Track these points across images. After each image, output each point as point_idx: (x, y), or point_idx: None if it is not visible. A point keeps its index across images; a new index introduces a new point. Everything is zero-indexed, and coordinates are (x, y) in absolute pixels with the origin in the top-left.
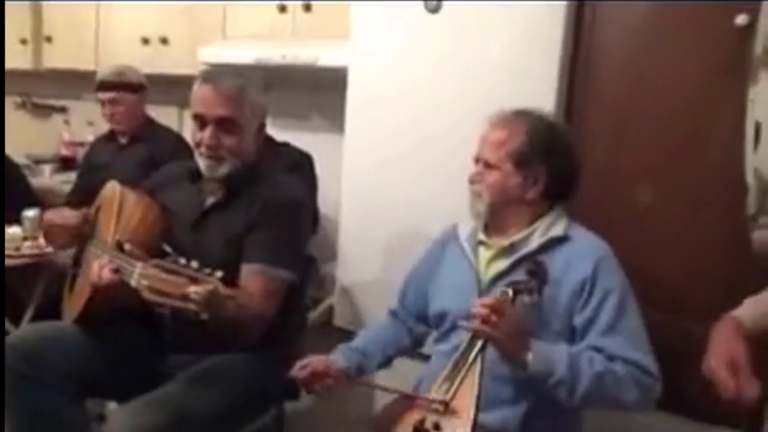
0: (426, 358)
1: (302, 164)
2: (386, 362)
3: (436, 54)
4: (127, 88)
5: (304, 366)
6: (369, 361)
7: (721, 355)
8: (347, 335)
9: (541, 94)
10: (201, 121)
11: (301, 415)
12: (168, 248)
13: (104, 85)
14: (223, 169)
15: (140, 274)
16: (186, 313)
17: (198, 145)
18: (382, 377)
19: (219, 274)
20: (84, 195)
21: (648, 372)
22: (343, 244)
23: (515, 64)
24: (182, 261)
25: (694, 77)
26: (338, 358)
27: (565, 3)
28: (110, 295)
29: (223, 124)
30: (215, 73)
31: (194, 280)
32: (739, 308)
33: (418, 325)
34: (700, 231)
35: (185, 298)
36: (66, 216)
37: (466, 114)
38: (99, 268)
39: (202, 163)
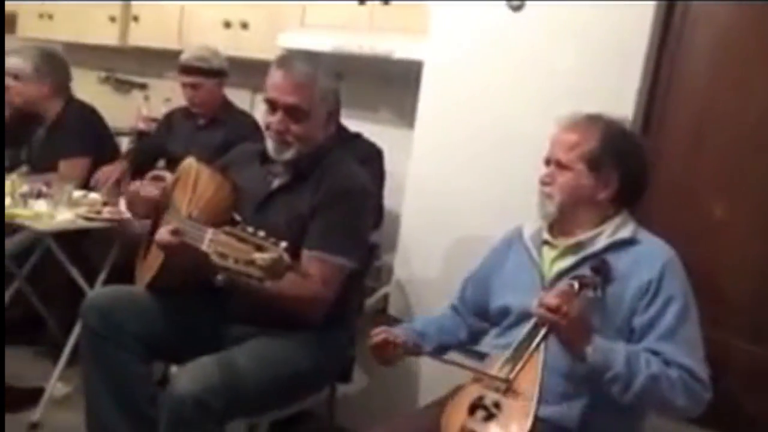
0: (481, 356)
1: (372, 157)
2: (441, 350)
3: (515, 53)
4: (208, 73)
5: (377, 333)
6: (425, 343)
7: None
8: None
9: (622, 98)
10: (272, 105)
11: (352, 399)
12: (238, 217)
13: (186, 70)
14: (289, 154)
15: (210, 240)
16: (249, 279)
17: (267, 128)
18: (432, 372)
19: (284, 244)
20: (145, 157)
21: (700, 380)
22: (404, 238)
23: (597, 67)
24: (250, 230)
25: None
26: (398, 332)
27: (654, 3)
28: (180, 262)
29: (292, 111)
30: (289, 60)
31: (260, 248)
32: None
33: (475, 320)
34: None
35: (251, 263)
36: (148, 189)
37: (541, 118)
38: (162, 232)
39: (270, 145)
